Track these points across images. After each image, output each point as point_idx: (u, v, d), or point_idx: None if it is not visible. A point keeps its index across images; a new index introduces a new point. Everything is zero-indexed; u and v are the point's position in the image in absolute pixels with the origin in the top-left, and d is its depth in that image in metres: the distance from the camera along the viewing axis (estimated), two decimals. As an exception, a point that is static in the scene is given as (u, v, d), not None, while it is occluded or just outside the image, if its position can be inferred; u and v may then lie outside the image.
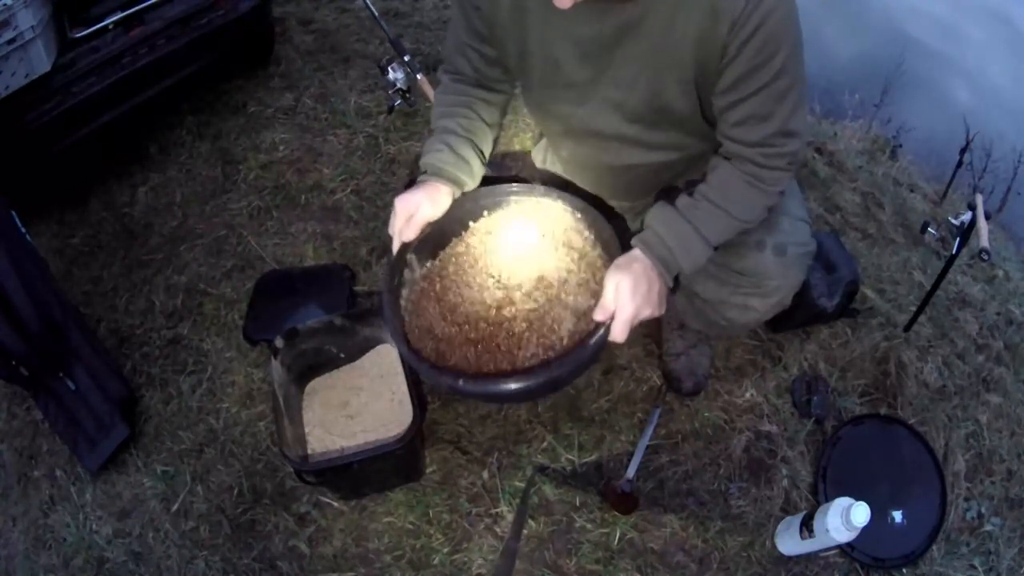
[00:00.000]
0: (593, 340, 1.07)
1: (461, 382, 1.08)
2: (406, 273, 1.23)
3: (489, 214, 1.31)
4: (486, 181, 1.33)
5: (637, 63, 1.04)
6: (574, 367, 1.10)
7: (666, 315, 1.64)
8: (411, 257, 1.23)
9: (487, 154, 1.29)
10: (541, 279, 1.20)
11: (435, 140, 1.24)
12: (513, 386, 1.07)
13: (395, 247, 1.20)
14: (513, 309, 1.18)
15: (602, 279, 1.16)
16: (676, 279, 1.16)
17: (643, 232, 1.13)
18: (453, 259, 1.27)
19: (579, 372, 1.18)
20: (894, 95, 3.90)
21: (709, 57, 0.98)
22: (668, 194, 1.18)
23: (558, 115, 1.24)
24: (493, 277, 1.23)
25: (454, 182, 1.22)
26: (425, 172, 1.22)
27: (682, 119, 1.11)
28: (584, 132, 1.21)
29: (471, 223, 1.30)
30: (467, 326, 1.16)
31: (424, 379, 1.18)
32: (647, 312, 1.08)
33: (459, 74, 1.28)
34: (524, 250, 1.26)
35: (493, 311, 1.18)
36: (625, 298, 1.04)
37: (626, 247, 1.15)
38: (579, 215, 1.27)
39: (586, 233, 1.27)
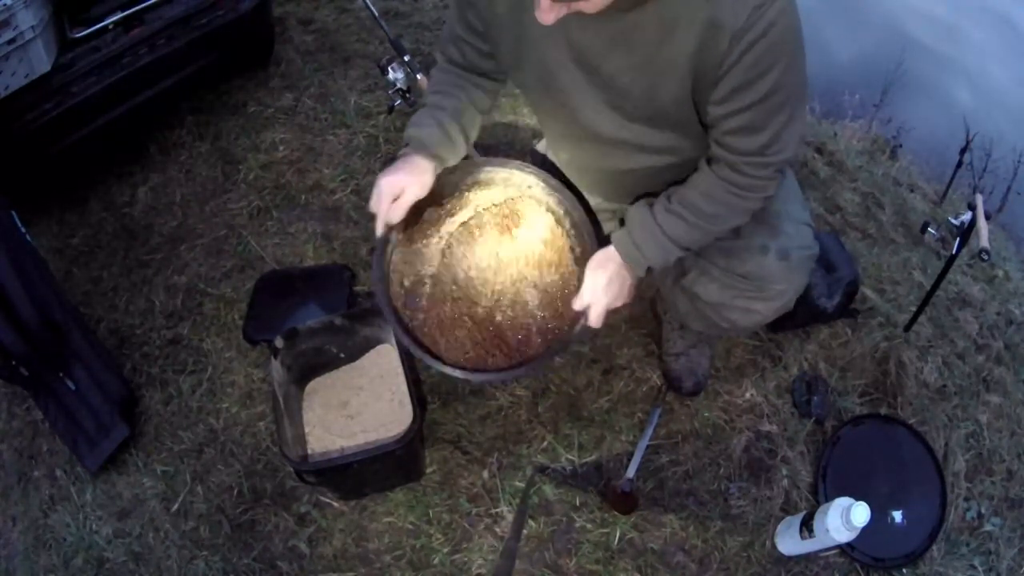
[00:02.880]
0: (576, 330, 1.22)
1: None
2: (389, 248, 1.28)
3: (465, 192, 1.36)
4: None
5: (632, 72, 1.04)
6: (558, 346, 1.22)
7: (666, 315, 1.66)
8: (392, 235, 1.27)
9: (472, 138, 1.32)
10: (510, 261, 1.31)
11: (424, 115, 1.25)
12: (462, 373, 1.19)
13: (379, 227, 1.22)
14: (485, 289, 1.29)
15: (568, 257, 1.32)
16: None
17: (619, 230, 1.20)
18: (425, 244, 1.33)
19: (559, 349, 1.27)
20: (894, 95, 3.90)
21: (707, 69, 0.98)
22: (651, 195, 1.23)
23: (556, 116, 1.25)
24: (461, 263, 1.31)
25: (438, 159, 1.23)
26: (408, 145, 1.24)
27: (679, 123, 1.11)
28: (582, 135, 1.21)
29: (447, 205, 1.36)
30: (444, 310, 1.28)
31: (411, 348, 1.24)
32: (619, 303, 1.21)
33: (452, 61, 1.29)
34: (494, 233, 1.34)
35: (463, 296, 1.28)
36: (599, 293, 1.17)
37: (597, 226, 1.27)
38: (550, 191, 1.35)
39: (557, 209, 1.35)
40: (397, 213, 1.19)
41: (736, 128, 1.03)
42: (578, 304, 1.19)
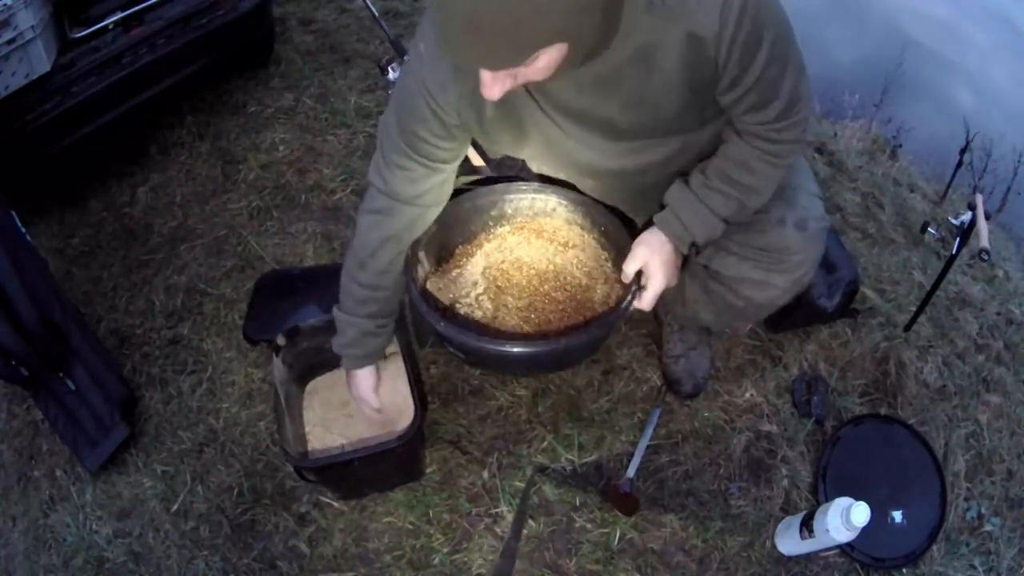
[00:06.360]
0: (623, 307, 1.21)
1: (487, 343, 1.19)
2: (419, 269, 1.30)
3: (491, 225, 1.40)
4: (487, 180, 1.40)
5: (628, 111, 1.05)
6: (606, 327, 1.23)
7: (667, 316, 1.66)
8: (421, 254, 1.30)
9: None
10: (547, 280, 1.32)
11: (346, 325, 1.35)
12: (524, 347, 1.19)
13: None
14: (521, 310, 1.28)
15: (607, 267, 1.33)
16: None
17: (663, 211, 1.20)
18: (459, 274, 1.35)
19: (610, 323, 1.26)
20: (894, 95, 3.89)
21: (701, 75, 0.99)
22: (684, 175, 1.22)
23: (570, 169, 1.28)
24: (498, 286, 1.32)
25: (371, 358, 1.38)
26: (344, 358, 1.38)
27: (686, 127, 1.12)
28: (598, 173, 1.24)
29: (477, 239, 1.40)
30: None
31: (449, 339, 1.25)
32: (671, 283, 1.21)
33: (389, 186, 1.22)
34: (529, 258, 1.36)
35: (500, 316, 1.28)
36: (657, 272, 1.18)
37: (631, 232, 1.27)
38: (574, 207, 1.36)
39: (582, 222, 1.37)
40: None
41: (750, 107, 1.04)
42: (630, 268, 1.20)
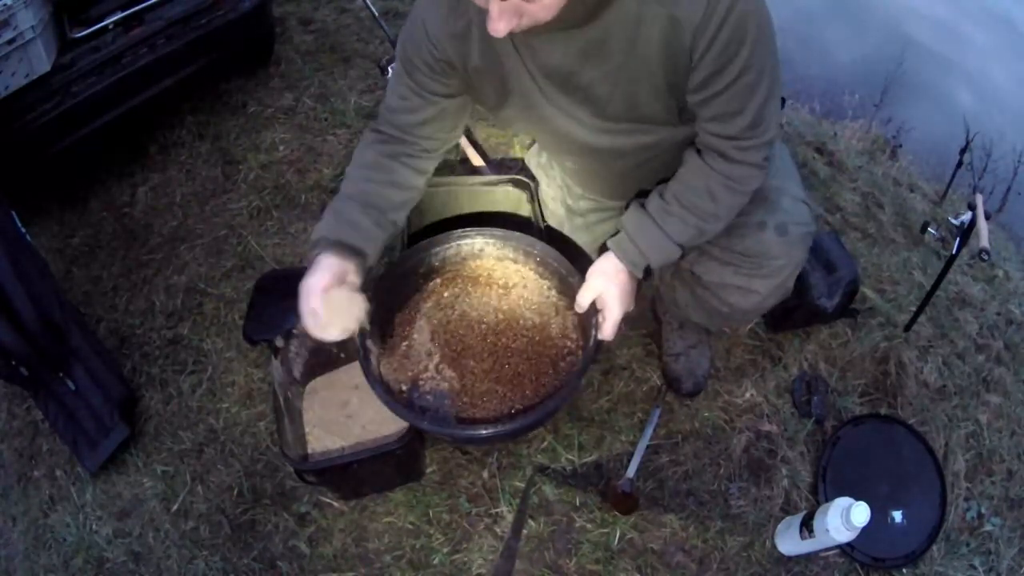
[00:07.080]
0: (591, 346, 1.21)
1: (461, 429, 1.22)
2: (372, 359, 1.28)
3: (422, 282, 1.41)
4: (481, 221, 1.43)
5: (608, 81, 1.05)
6: (570, 388, 1.22)
7: (666, 316, 1.66)
8: (368, 343, 1.27)
9: (400, 220, 1.26)
10: (495, 322, 1.34)
11: (327, 211, 1.20)
12: (491, 429, 1.19)
13: (309, 327, 1.13)
14: (480, 361, 1.31)
15: (548, 294, 1.35)
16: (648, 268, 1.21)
17: (618, 235, 1.19)
18: (408, 346, 1.35)
19: (581, 372, 1.25)
20: (894, 95, 3.89)
21: (677, 64, 0.99)
22: (642, 196, 1.23)
23: (550, 138, 1.27)
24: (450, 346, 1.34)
25: (347, 249, 1.14)
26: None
27: (666, 118, 1.12)
28: (580, 149, 1.23)
29: (412, 301, 1.40)
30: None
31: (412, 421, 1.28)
32: (628, 309, 1.21)
33: (391, 125, 1.23)
34: (471, 307, 1.38)
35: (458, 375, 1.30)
36: (614, 304, 1.18)
37: (571, 257, 1.30)
38: (502, 243, 1.39)
39: (513, 255, 1.39)
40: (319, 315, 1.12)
41: (716, 114, 1.04)
42: (585, 299, 1.20)
